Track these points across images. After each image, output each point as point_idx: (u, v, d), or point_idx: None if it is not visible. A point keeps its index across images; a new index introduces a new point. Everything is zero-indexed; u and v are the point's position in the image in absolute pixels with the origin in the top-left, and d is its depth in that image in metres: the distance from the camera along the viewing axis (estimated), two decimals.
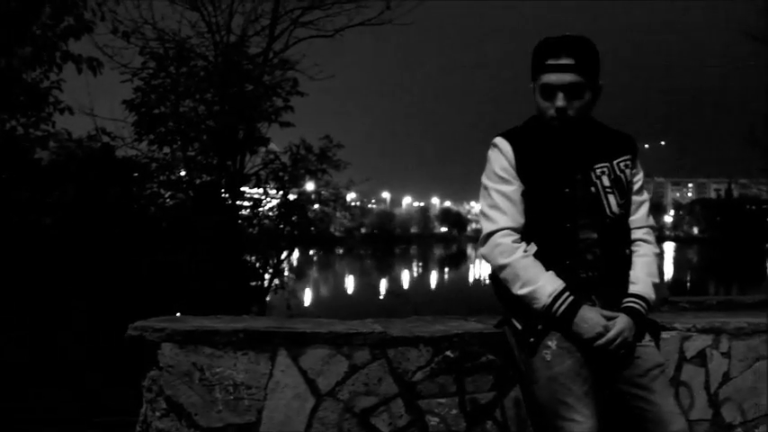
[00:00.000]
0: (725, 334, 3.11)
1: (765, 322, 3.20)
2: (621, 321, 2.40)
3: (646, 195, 2.69)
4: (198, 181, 9.72)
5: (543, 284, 2.41)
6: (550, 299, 2.40)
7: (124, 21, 10.00)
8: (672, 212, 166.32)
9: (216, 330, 2.71)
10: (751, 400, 3.17)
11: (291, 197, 11.13)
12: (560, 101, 2.43)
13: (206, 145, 9.54)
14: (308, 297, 25.57)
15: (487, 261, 2.55)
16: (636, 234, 2.62)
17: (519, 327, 2.54)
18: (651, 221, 2.67)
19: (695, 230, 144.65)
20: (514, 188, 2.52)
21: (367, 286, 31.40)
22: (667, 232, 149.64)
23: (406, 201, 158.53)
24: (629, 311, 2.46)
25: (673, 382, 2.99)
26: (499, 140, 2.56)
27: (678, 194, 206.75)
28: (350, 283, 35.93)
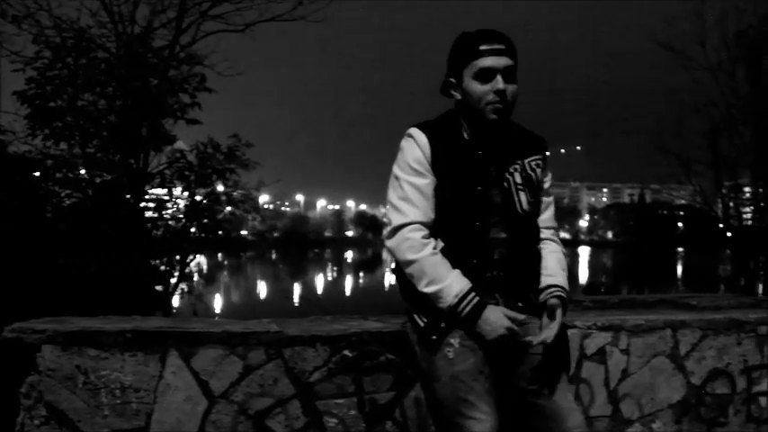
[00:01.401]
0: (624, 331, 3.14)
1: (662, 319, 3.26)
2: (556, 324, 2.40)
3: (552, 197, 2.68)
4: (98, 180, 9.27)
5: (450, 284, 2.35)
6: (456, 299, 2.34)
7: (14, 4, 9.46)
8: (587, 217, 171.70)
9: (102, 331, 2.55)
10: (648, 395, 3.21)
11: (199, 198, 10.82)
12: (500, 83, 2.38)
13: (107, 142, 9.11)
14: (218, 303, 25.10)
15: (394, 254, 2.46)
16: (544, 234, 2.60)
17: (422, 324, 2.47)
18: (556, 223, 2.66)
19: (610, 234, 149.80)
20: (428, 182, 2.44)
21: (280, 291, 31.09)
22: (582, 236, 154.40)
23: (321, 204, 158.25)
24: (559, 300, 2.44)
25: (573, 379, 3.01)
26: (415, 131, 2.47)
27: (593, 199, 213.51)
28: (262, 289, 35.49)
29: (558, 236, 2.63)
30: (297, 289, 33.87)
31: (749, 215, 16.14)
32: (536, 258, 2.54)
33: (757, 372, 3.54)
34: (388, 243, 2.45)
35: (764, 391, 3.56)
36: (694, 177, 15.97)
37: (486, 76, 2.39)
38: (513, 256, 2.46)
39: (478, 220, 2.43)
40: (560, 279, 2.49)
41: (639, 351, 3.18)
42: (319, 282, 41.30)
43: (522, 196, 2.48)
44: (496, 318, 2.34)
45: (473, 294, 2.34)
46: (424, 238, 2.40)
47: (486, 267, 2.43)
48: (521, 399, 2.44)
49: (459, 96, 2.48)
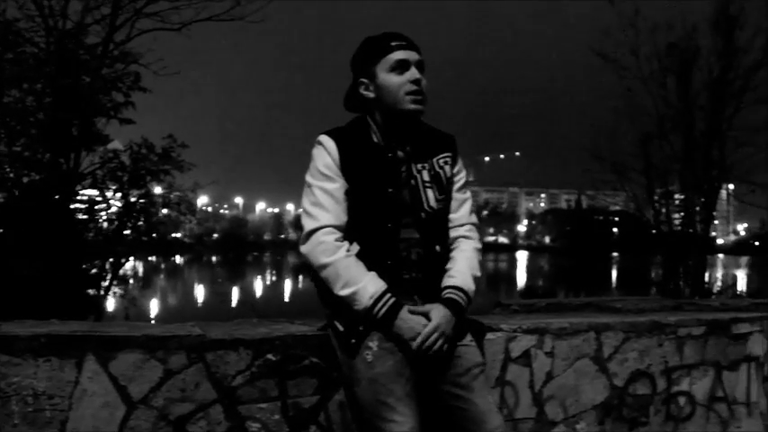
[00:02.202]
0: (549, 334, 3.18)
1: (586, 322, 3.32)
2: (438, 315, 2.37)
3: (468, 194, 2.69)
4: (25, 179, 8.99)
5: (365, 285, 2.36)
6: (372, 300, 2.34)
7: None
8: (525, 222, 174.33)
9: (15, 336, 2.45)
10: (573, 397, 3.26)
11: (133, 199, 10.60)
12: (416, 73, 2.44)
13: (35, 140, 8.85)
14: (154, 307, 24.63)
15: (309, 260, 2.46)
16: (459, 231, 2.61)
17: (341, 328, 2.46)
18: (474, 219, 2.67)
19: (547, 239, 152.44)
20: (338, 186, 2.46)
21: (217, 295, 30.65)
22: (521, 241, 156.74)
23: (260, 207, 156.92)
24: (447, 303, 2.43)
25: (498, 381, 3.03)
26: (323, 138, 2.50)
27: (531, 204, 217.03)
28: (200, 292, 34.95)
29: (475, 231, 2.64)
30: (235, 293, 33.47)
31: (678, 221, 16.60)
32: (447, 256, 2.56)
33: (677, 372, 3.63)
34: (303, 248, 2.46)
35: (683, 391, 3.66)
36: (628, 184, 16.37)
37: (401, 67, 2.44)
38: (428, 257, 2.47)
39: (390, 222, 2.45)
40: (459, 279, 2.49)
41: (564, 354, 3.23)
42: (258, 285, 40.87)
43: (430, 193, 2.51)
44: (413, 316, 2.34)
45: (389, 296, 2.35)
46: (337, 240, 2.41)
47: (402, 268, 2.44)
48: (441, 401, 2.45)
49: (372, 95, 2.50)
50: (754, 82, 15.04)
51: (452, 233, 2.61)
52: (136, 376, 2.51)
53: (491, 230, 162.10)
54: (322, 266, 2.42)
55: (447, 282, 2.49)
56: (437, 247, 2.54)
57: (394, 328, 2.35)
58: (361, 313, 2.36)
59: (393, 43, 2.45)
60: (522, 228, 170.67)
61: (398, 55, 2.44)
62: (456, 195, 2.63)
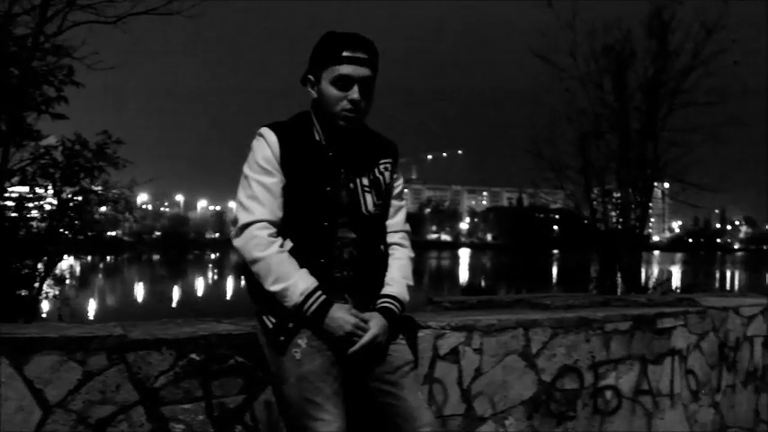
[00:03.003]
0: (477, 331, 3.21)
1: (514, 319, 3.36)
2: (375, 325, 2.39)
3: (404, 202, 2.71)
4: None
5: (296, 282, 2.35)
6: (302, 297, 2.34)
7: None
8: (468, 219, 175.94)
9: None
10: (501, 392, 3.30)
11: (67, 197, 10.31)
12: (356, 93, 2.41)
13: None
14: (92, 307, 24.07)
15: (241, 253, 2.44)
16: (393, 238, 2.63)
17: (270, 325, 2.44)
18: (407, 227, 2.69)
19: (489, 237, 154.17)
20: (276, 181, 2.43)
21: (156, 295, 30.13)
22: (463, 238, 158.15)
23: (202, 204, 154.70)
24: (384, 312, 2.45)
25: (427, 379, 3.04)
26: (265, 131, 2.47)
27: (474, 202, 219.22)
28: (140, 292, 34.27)
29: (408, 239, 2.66)
30: (176, 292, 32.95)
31: (614, 218, 16.96)
32: (383, 260, 2.56)
33: (604, 367, 3.71)
34: (236, 242, 2.43)
35: (610, 385, 3.74)
36: (566, 182, 16.68)
37: (343, 83, 2.41)
38: (361, 257, 2.47)
39: (326, 220, 2.44)
40: (395, 288, 2.52)
41: (492, 350, 3.25)
42: (200, 284, 40.30)
43: (368, 198, 2.51)
44: (343, 316, 2.35)
45: (319, 293, 2.34)
46: (270, 236, 2.39)
47: (334, 267, 2.44)
48: (372, 398, 2.46)
49: (314, 95, 2.49)
50: (685, 84, 15.50)
51: (387, 239, 2.62)
52: (53, 379, 2.43)
53: (434, 228, 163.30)
54: (254, 261, 2.39)
55: (384, 290, 2.51)
56: (375, 249, 2.55)
57: (323, 325, 2.35)
58: (292, 310, 2.35)
59: (345, 53, 2.39)
60: (464, 225, 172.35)
61: (344, 70, 2.39)
62: (393, 202, 2.64)
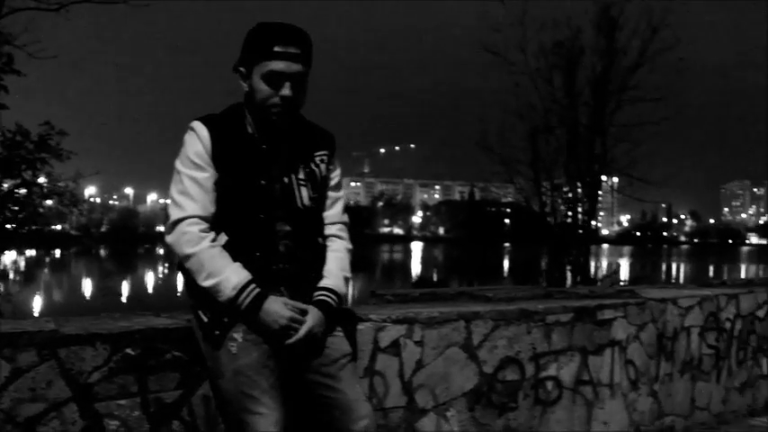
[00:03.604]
0: (418, 323, 3.22)
1: (456, 311, 3.38)
2: (312, 317, 2.38)
3: (342, 193, 2.70)
4: None
5: (228, 276, 2.33)
6: (235, 291, 2.32)
7: None
8: (420, 213, 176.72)
9: None
10: (443, 384, 3.32)
11: (6, 188, 10.04)
12: (288, 90, 2.37)
13: None
14: (37, 303, 23.51)
15: (174, 250, 2.41)
16: (330, 230, 2.62)
17: (205, 320, 2.42)
18: (345, 218, 2.68)
19: (441, 230, 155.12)
20: (207, 175, 2.40)
21: (102, 290, 29.57)
22: (415, 232, 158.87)
23: (152, 198, 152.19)
24: (320, 304, 2.44)
25: (367, 371, 3.04)
26: (196, 125, 2.43)
27: (426, 196, 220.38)
28: (87, 288, 33.60)
29: (346, 231, 2.66)
30: (125, 287, 32.41)
31: (563, 212, 17.22)
32: (320, 252, 2.56)
33: (545, 358, 3.76)
34: (168, 238, 2.41)
35: (551, 376, 3.80)
36: (516, 176, 16.88)
37: (274, 79, 2.37)
38: (298, 250, 2.46)
39: (262, 213, 2.42)
40: (332, 281, 2.52)
41: (434, 342, 3.27)
42: (150, 279, 39.69)
43: (304, 191, 2.50)
44: (277, 309, 2.33)
45: (252, 286, 2.33)
46: (202, 231, 2.37)
47: (271, 260, 2.42)
48: (309, 391, 2.45)
49: (246, 88, 2.46)
50: (632, 81, 15.81)
51: (325, 231, 2.61)
52: None
53: (386, 221, 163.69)
54: (186, 257, 2.37)
55: (320, 283, 2.50)
56: (312, 241, 2.54)
57: (258, 319, 2.33)
58: (225, 304, 2.34)
59: (276, 48, 2.35)
60: (416, 219, 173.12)
61: (276, 66, 2.35)
62: (330, 194, 2.62)
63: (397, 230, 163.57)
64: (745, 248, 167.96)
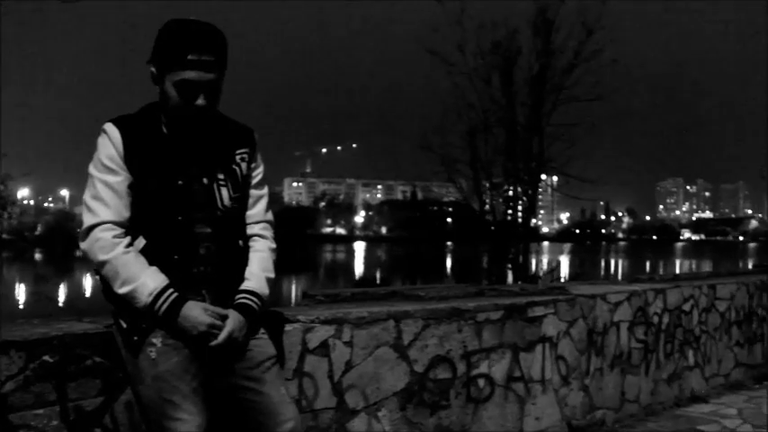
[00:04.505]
0: (347, 324, 3.21)
1: (386, 311, 3.38)
2: (231, 322, 2.34)
3: (265, 190, 2.63)
4: None
5: (144, 282, 2.28)
6: (151, 297, 2.27)
7: None
8: (362, 213, 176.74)
9: None
10: (373, 384, 3.32)
11: None
12: (201, 100, 2.31)
13: None
14: None
15: (88, 257, 2.35)
16: (253, 229, 2.57)
17: (124, 325, 2.36)
18: (270, 216, 2.63)
19: (384, 230, 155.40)
20: (121, 179, 2.34)
21: (34, 294, 28.69)
22: (358, 232, 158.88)
23: None
24: (241, 308, 2.41)
25: (296, 373, 3.02)
26: (108, 127, 2.37)
27: (368, 195, 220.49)
28: (21, 293, 32.54)
29: (270, 230, 2.61)
30: (62, 294, 31.52)
31: (503, 211, 17.41)
32: (243, 254, 2.52)
33: (476, 356, 3.80)
34: (82, 245, 2.35)
35: (483, 373, 3.84)
36: (456, 175, 16.98)
37: (187, 89, 2.31)
38: (219, 252, 2.42)
39: (180, 215, 2.37)
40: (254, 283, 2.48)
41: (363, 342, 3.27)
42: (87, 283, 38.69)
43: (224, 191, 2.45)
44: (196, 314, 2.29)
45: (170, 291, 2.28)
46: (116, 237, 2.31)
47: (190, 263, 2.37)
48: (234, 395, 2.42)
49: (158, 89, 2.39)
50: (568, 81, 16.08)
51: (248, 230, 2.56)
52: None
53: (329, 221, 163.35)
54: (100, 264, 2.33)
55: (242, 285, 2.46)
56: (233, 242, 2.49)
57: (177, 325, 2.29)
58: (143, 310, 2.29)
59: (190, 57, 2.27)
60: (359, 219, 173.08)
61: (188, 75, 2.28)
62: (252, 192, 2.57)
63: (340, 230, 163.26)
64: (679, 244, 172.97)
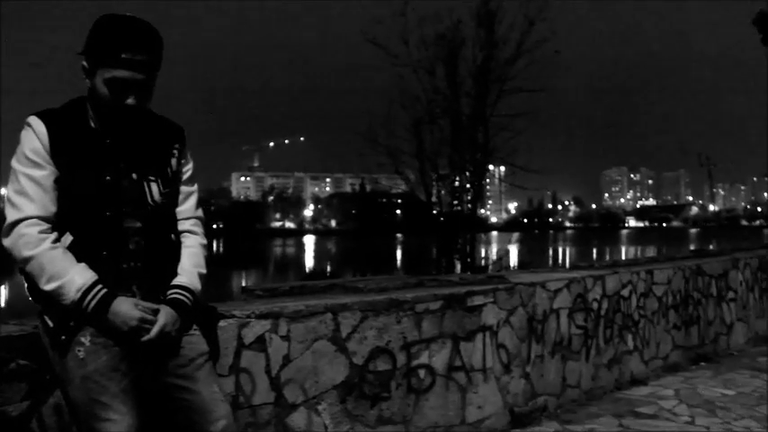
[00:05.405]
0: (284, 318, 3.19)
1: (323, 303, 3.37)
2: (164, 316, 2.31)
3: (195, 187, 2.61)
4: None
5: (72, 278, 2.22)
6: (79, 294, 2.22)
7: None
8: (311, 206, 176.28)
9: None
10: (312, 378, 3.30)
11: None
12: (132, 99, 2.28)
13: None
14: None
15: (12, 254, 2.28)
16: (184, 225, 2.54)
17: (51, 324, 2.30)
18: (200, 213, 2.61)
19: (333, 223, 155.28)
20: (46, 173, 2.28)
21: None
22: (307, 225, 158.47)
23: None
24: (173, 303, 2.37)
25: (233, 369, 2.99)
26: (33, 120, 2.31)
27: (317, 189, 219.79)
28: None
29: (200, 225, 2.59)
30: (2, 293, 30.70)
31: (450, 201, 17.51)
32: (174, 249, 2.48)
33: (416, 346, 3.81)
34: (5, 241, 2.28)
35: (423, 364, 3.85)
36: (402, 167, 17.02)
37: (118, 87, 2.27)
38: (149, 247, 2.37)
39: (108, 210, 2.32)
40: (186, 279, 2.45)
41: (301, 336, 3.25)
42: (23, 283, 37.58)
43: (154, 187, 2.42)
44: (126, 310, 2.25)
45: (99, 287, 2.23)
46: (41, 232, 2.25)
47: (119, 259, 2.33)
48: (166, 393, 2.38)
49: (88, 84, 2.34)
50: (511, 72, 16.23)
51: (179, 226, 2.53)
52: None
53: (278, 215, 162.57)
54: (25, 260, 2.26)
55: (174, 281, 2.43)
56: (164, 238, 2.46)
57: (107, 321, 2.24)
58: (70, 307, 2.23)
59: (123, 56, 2.22)
60: (308, 212, 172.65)
61: (120, 74, 2.24)
62: (183, 188, 2.55)
63: (289, 224, 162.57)
64: (624, 231, 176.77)
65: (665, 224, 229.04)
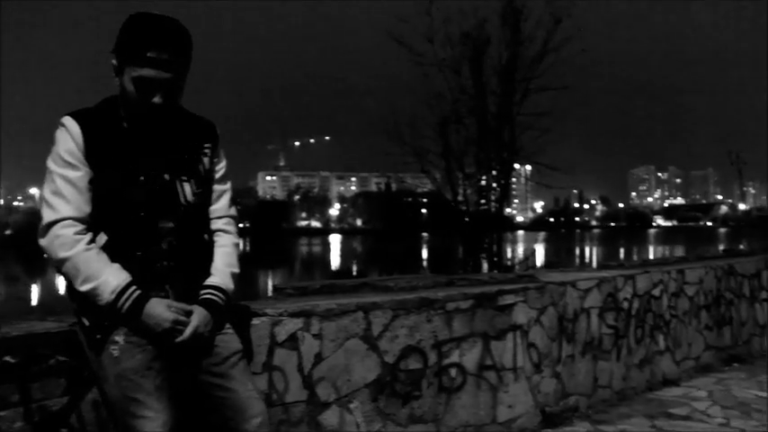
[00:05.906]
0: (315, 316, 3.20)
1: (354, 302, 3.37)
2: (197, 317, 2.33)
3: (228, 185, 2.61)
4: None
5: (106, 279, 2.24)
6: (114, 295, 2.24)
7: None
8: (337, 205, 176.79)
9: None
10: (344, 376, 3.31)
11: None
12: (158, 98, 2.28)
13: None
14: None
15: (48, 254, 2.30)
16: (216, 224, 2.55)
17: (87, 323, 2.33)
18: (233, 211, 2.61)
19: (359, 222, 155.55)
20: (81, 174, 2.30)
21: (14, 299, 28.27)
22: (333, 224, 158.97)
23: None
24: (206, 303, 2.39)
25: (266, 367, 3.01)
26: (67, 120, 2.32)
27: (342, 188, 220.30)
28: None
29: (233, 224, 2.59)
30: (34, 291, 31.12)
31: (476, 200, 17.46)
32: (207, 248, 2.50)
33: (447, 345, 3.81)
34: (41, 242, 2.30)
35: (454, 363, 3.85)
36: (428, 166, 17.00)
37: (145, 86, 2.27)
38: (182, 247, 2.39)
39: (143, 211, 2.33)
40: (218, 278, 2.46)
41: (332, 335, 3.26)
42: (61, 282, 38.22)
43: (187, 187, 2.42)
44: (160, 311, 2.27)
45: (133, 288, 2.25)
46: (77, 234, 2.27)
47: (153, 259, 2.34)
48: (201, 391, 2.40)
49: (117, 83, 2.35)
50: (538, 71, 16.14)
51: (211, 225, 2.54)
52: None
53: (303, 215, 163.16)
54: (60, 261, 2.28)
55: (207, 281, 2.44)
56: (197, 237, 2.47)
57: (140, 322, 2.26)
58: (105, 308, 2.25)
59: (149, 54, 2.23)
60: (334, 211, 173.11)
61: (146, 73, 2.24)
62: (216, 187, 2.55)
63: (315, 223, 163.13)
64: (652, 231, 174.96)
65: (699, 223, 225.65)
